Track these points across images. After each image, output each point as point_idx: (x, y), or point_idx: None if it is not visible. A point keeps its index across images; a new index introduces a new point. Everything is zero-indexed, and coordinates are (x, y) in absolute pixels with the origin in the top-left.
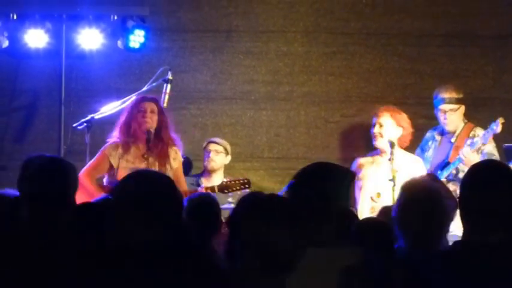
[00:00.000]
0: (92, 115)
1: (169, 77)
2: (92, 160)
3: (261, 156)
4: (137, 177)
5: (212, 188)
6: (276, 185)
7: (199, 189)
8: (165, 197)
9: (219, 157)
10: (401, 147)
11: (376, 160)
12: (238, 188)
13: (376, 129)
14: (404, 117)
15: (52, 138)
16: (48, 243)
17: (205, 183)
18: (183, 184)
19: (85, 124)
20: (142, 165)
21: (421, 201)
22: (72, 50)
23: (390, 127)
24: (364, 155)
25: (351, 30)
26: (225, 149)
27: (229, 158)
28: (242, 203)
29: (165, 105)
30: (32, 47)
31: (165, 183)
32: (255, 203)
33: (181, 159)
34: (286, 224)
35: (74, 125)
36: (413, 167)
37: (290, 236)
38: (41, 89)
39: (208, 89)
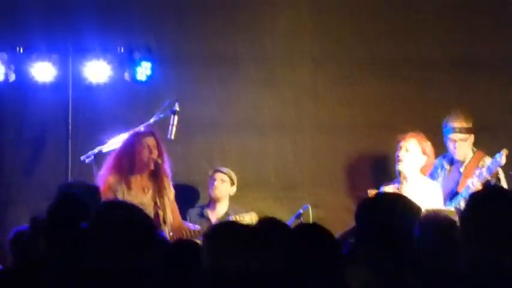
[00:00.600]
0: (100, 147)
1: (177, 108)
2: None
3: (268, 185)
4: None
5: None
6: (284, 214)
7: (193, 227)
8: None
9: (224, 186)
10: (423, 175)
11: (401, 189)
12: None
13: (401, 153)
14: (429, 146)
15: (60, 171)
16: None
17: (210, 214)
18: (178, 215)
19: (93, 156)
20: (144, 199)
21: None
22: (79, 82)
23: (416, 153)
24: (387, 183)
25: (357, 57)
26: (231, 179)
27: (234, 188)
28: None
29: (172, 137)
30: (39, 80)
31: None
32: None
33: (173, 192)
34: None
35: (82, 157)
36: (434, 195)
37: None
38: (48, 122)
39: (215, 118)
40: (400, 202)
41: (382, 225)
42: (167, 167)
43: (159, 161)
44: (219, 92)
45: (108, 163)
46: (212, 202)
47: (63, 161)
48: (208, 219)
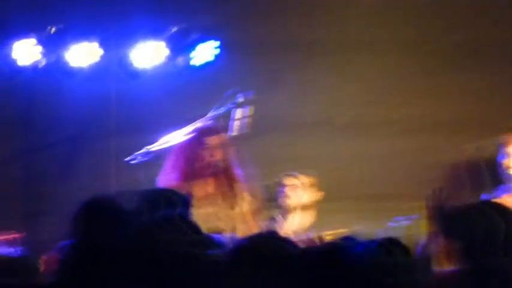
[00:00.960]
0: (148, 147)
1: (240, 100)
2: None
3: (350, 195)
4: None
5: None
6: (371, 230)
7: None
8: None
9: (296, 194)
10: None
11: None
12: None
13: (505, 160)
14: None
15: (101, 175)
16: None
17: (281, 228)
18: (254, 227)
19: (140, 158)
20: (209, 210)
21: None
22: (123, 69)
23: None
24: (497, 190)
25: (456, 41)
26: (303, 185)
27: (308, 196)
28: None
29: (234, 133)
30: (74, 67)
31: None
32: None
33: (249, 199)
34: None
35: (127, 159)
36: None
37: None
38: (86, 117)
39: (286, 114)
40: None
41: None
42: (239, 171)
43: (220, 164)
44: (292, 82)
45: (165, 168)
46: (282, 213)
47: (105, 164)
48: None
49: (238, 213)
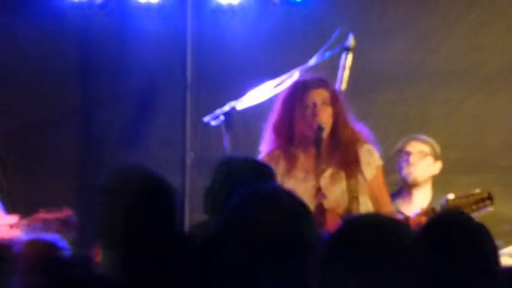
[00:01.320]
0: (232, 103)
1: (351, 43)
2: None
3: (496, 165)
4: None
5: (427, 212)
6: None
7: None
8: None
9: (424, 162)
10: None
11: None
12: (475, 207)
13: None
14: None
15: (173, 141)
16: None
17: (405, 207)
18: (386, 203)
19: (222, 118)
20: (320, 183)
21: None
22: (202, 5)
23: None
24: None
25: None
26: (434, 150)
27: (438, 165)
28: None
29: (343, 86)
30: (141, 2)
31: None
32: None
33: (380, 163)
34: None
35: (206, 119)
36: None
37: None
38: (156, 67)
39: (409, 62)
40: None
41: None
42: (362, 129)
43: (324, 127)
44: (416, 21)
45: (265, 132)
46: (405, 189)
47: (179, 126)
48: (402, 214)
49: (362, 185)
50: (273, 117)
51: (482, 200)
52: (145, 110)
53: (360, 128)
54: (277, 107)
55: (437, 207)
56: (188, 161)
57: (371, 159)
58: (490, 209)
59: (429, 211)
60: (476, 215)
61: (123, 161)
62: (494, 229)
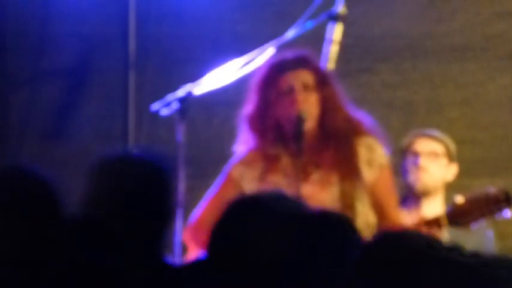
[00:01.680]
0: (188, 89)
1: (340, 10)
2: (208, 195)
3: None
4: None
5: (437, 221)
6: None
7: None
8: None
9: (436, 166)
10: None
11: None
12: (487, 210)
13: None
14: None
15: (113, 132)
16: None
17: (410, 220)
18: (393, 213)
19: (175, 105)
20: (306, 189)
21: None
22: None
23: None
24: None
25: None
26: (448, 150)
27: (454, 168)
28: None
29: (330, 65)
30: None
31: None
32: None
33: (385, 161)
34: None
35: (154, 106)
36: None
37: None
38: (89, 40)
39: (415, 35)
40: None
41: None
42: (362, 117)
43: (304, 117)
44: None
45: (240, 128)
46: (412, 197)
47: (120, 113)
48: None
49: (360, 191)
50: (247, 108)
51: (498, 202)
52: (77, 93)
53: (361, 117)
54: (250, 95)
55: (442, 215)
56: None
57: (373, 156)
58: (510, 213)
59: (433, 220)
60: (493, 223)
61: (47, 156)
62: None
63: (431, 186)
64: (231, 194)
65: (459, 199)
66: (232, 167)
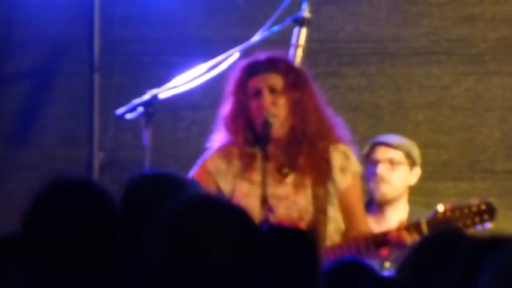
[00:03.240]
0: (154, 92)
1: (306, 14)
2: None
3: (490, 170)
4: None
5: (417, 227)
6: None
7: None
8: None
9: (395, 174)
10: None
11: None
12: (470, 222)
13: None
14: None
15: (77, 137)
16: None
17: (375, 225)
18: (362, 219)
19: (141, 109)
20: (282, 191)
21: None
22: None
23: None
24: None
25: None
26: (409, 156)
27: (418, 172)
28: None
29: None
30: None
31: None
32: None
33: (359, 169)
34: None
35: (120, 111)
36: None
37: None
38: (53, 41)
39: (381, 39)
40: None
41: None
42: (336, 124)
43: (271, 121)
44: None
45: (216, 127)
46: (376, 205)
47: (85, 118)
48: None
49: (333, 196)
50: (223, 109)
51: (480, 213)
52: (42, 97)
53: (336, 123)
54: (226, 95)
55: (423, 221)
56: (96, 163)
57: (346, 164)
58: (489, 226)
59: (413, 225)
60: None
61: (11, 160)
62: None
63: (391, 195)
64: (205, 186)
65: (442, 207)
66: (208, 160)
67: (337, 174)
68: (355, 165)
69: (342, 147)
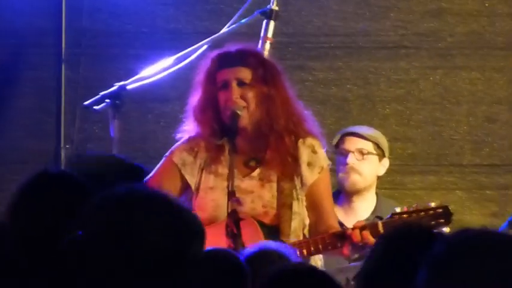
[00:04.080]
0: (122, 83)
1: (274, 7)
2: (146, 180)
3: (457, 163)
4: None
5: (373, 228)
6: (487, 218)
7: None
8: None
9: (365, 164)
10: None
11: None
12: (425, 225)
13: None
14: None
15: (44, 129)
16: None
17: (344, 216)
18: (329, 215)
19: (108, 101)
20: (248, 184)
21: None
22: None
23: None
24: None
25: None
26: (378, 147)
27: (387, 163)
28: None
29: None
30: None
31: None
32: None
33: (327, 164)
34: None
35: (86, 102)
36: None
37: None
38: (20, 32)
39: (349, 33)
40: None
41: None
42: (306, 118)
43: (239, 113)
44: None
45: (185, 117)
46: (344, 194)
47: (52, 110)
48: (341, 225)
49: (299, 191)
50: (192, 99)
51: (436, 216)
52: (9, 89)
53: (306, 117)
54: (195, 86)
55: (380, 222)
56: (63, 155)
57: (314, 159)
58: (445, 229)
59: (369, 226)
60: None
61: None
62: None
63: (361, 185)
64: (170, 179)
65: (399, 209)
66: (174, 152)
67: (304, 169)
68: (323, 160)
69: (310, 141)
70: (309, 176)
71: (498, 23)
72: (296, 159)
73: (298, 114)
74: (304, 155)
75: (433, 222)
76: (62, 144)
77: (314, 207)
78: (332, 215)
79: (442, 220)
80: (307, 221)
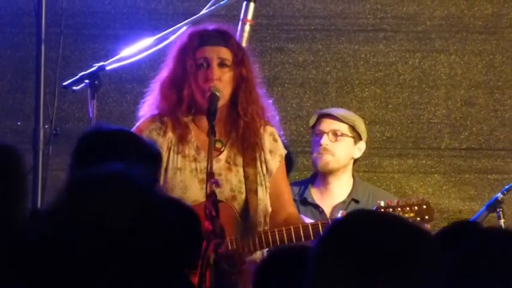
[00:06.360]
0: (101, 63)
1: None
2: None
3: (435, 147)
4: None
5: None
6: (465, 201)
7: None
8: None
9: (340, 145)
10: None
11: None
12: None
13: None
14: None
15: (23, 109)
16: None
17: (318, 197)
18: (289, 201)
19: (87, 81)
20: (215, 167)
21: None
22: None
23: None
24: None
25: None
26: (353, 129)
27: (363, 146)
28: None
29: (243, 43)
30: None
31: None
32: None
33: (283, 153)
34: None
35: (65, 83)
36: None
37: None
38: (3, 19)
39: (327, 15)
40: None
41: None
42: (268, 108)
43: (219, 95)
44: None
45: (149, 93)
46: (320, 177)
47: (31, 90)
48: (317, 207)
49: (261, 177)
50: (161, 74)
51: (421, 212)
52: None
53: (268, 105)
54: (168, 60)
55: (356, 203)
56: (41, 135)
57: (275, 147)
58: (427, 226)
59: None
60: None
61: None
62: (433, 227)
63: (333, 165)
64: None
65: (382, 203)
66: (143, 131)
67: (267, 156)
68: (282, 149)
69: (270, 129)
70: (272, 163)
71: (477, 7)
72: (260, 146)
73: (263, 101)
74: (267, 142)
75: (418, 219)
76: (41, 124)
77: (275, 194)
78: (291, 203)
79: (426, 217)
80: (269, 208)
